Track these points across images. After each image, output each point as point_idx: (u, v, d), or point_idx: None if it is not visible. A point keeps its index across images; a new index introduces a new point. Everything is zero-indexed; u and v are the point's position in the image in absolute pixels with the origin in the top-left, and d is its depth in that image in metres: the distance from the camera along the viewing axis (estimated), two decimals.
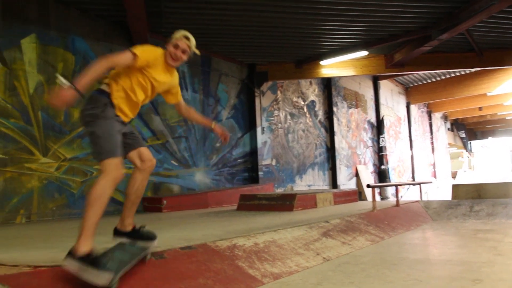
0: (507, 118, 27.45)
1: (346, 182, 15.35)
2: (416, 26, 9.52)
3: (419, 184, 11.02)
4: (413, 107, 21.98)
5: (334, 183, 14.79)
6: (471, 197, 8.42)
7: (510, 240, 4.86)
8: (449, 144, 27.76)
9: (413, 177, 21.05)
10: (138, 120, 8.74)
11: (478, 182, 10.09)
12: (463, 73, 17.37)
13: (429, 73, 17.94)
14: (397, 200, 7.82)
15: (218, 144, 10.63)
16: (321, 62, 11.41)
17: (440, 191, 21.84)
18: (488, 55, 11.21)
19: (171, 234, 4.20)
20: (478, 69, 14.75)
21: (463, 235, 5.49)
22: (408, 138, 21.37)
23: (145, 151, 2.99)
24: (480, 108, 23.23)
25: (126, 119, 2.86)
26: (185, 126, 9.83)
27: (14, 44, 6.90)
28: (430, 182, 13.79)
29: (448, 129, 27.94)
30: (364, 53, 10.69)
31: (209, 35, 9.50)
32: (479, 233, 5.51)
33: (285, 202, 7.22)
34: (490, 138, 31.26)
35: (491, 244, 4.58)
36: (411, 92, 20.98)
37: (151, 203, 8.29)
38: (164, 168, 9.23)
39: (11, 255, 2.92)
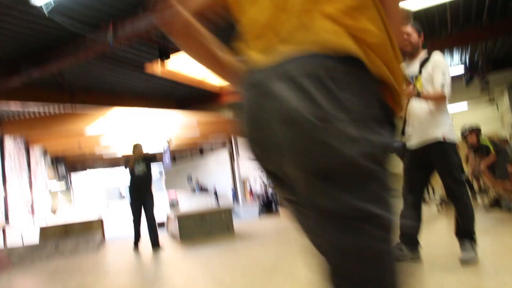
0: (104, 156, 29.50)
1: None
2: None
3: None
4: (9, 141, 20.26)
5: None
6: (58, 236, 8.34)
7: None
8: (50, 179, 27.05)
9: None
10: None
11: (66, 222, 10.16)
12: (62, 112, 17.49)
13: (27, 109, 17.13)
14: None
15: None
16: None
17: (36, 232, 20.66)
18: (80, 96, 11.73)
19: None
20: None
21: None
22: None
23: None
24: (79, 146, 24.03)
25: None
26: None
27: None
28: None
29: (50, 164, 27.26)
30: None
31: None
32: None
33: None
34: (89, 174, 32.70)
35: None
36: (6, 125, 19.42)
37: None
38: None
39: None
